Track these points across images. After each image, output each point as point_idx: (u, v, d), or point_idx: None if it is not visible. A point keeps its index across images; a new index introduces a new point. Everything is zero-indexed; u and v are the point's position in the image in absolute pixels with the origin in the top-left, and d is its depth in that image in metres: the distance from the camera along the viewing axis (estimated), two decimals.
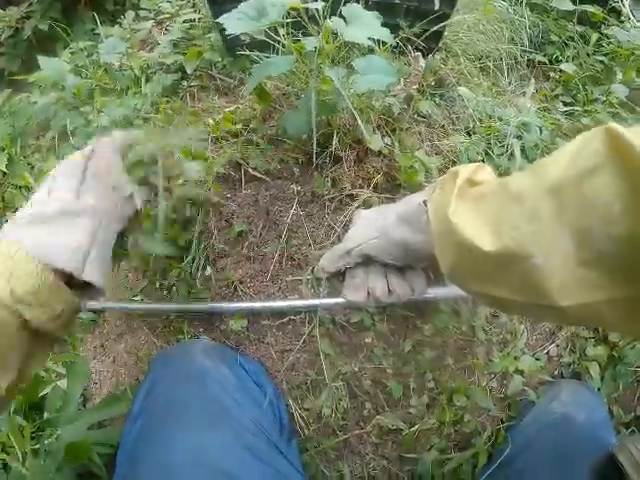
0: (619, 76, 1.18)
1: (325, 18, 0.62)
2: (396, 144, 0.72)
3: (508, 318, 0.86)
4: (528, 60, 1.18)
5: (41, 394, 0.80)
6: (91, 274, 0.45)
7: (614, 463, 0.60)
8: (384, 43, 0.76)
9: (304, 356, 0.74)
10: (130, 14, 1.16)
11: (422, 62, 0.71)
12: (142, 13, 1.18)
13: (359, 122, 0.65)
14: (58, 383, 0.81)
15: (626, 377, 0.89)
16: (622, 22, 1.29)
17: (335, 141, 0.71)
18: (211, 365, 0.68)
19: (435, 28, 0.82)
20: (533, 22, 1.24)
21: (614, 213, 0.30)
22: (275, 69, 0.66)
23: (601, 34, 1.26)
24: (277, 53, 0.74)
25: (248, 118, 0.75)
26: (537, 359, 0.88)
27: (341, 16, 0.64)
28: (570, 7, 1.27)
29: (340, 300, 0.70)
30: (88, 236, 0.45)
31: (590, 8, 1.26)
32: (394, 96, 0.74)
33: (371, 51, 0.71)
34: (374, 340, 0.76)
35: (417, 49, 0.83)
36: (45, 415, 0.78)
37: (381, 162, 0.72)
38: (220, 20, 0.63)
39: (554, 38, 1.28)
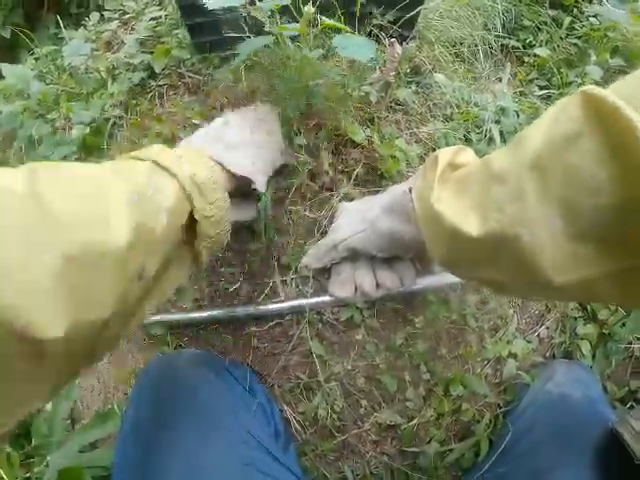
0: (593, 58, 1.19)
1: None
2: (375, 134, 0.70)
3: (498, 303, 0.85)
4: (502, 45, 1.18)
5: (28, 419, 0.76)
6: (260, 185, 0.54)
7: (615, 437, 0.60)
8: (359, 30, 0.75)
9: (295, 358, 0.72)
10: (95, 15, 1.12)
11: (398, 48, 0.70)
12: (107, 14, 1.14)
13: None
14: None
15: (618, 354, 0.89)
16: (593, 3, 1.29)
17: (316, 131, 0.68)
18: (198, 374, 0.65)
19: (408, 15, 0.81)
20: (506, 7, 1.24)
21: (600, 182, 0.28)
22: (258, 43, 0.64)
23: (574, 17, 1.27)
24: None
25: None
26: (528, 342, 0.89)
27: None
28: None
29: (327, 298, 0.68)
30: (263, 159, 0.57)
31: None
32: (370, 84, 0.72)
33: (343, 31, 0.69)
34: (365, 336, 0.75)
35: (391, 37, 0.82)
36: (33, 442, 0.74)
37: (360, 153, 0.70)
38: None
39: (527, 23, 1.28)
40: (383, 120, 0.73)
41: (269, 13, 0.66)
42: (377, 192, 0.71)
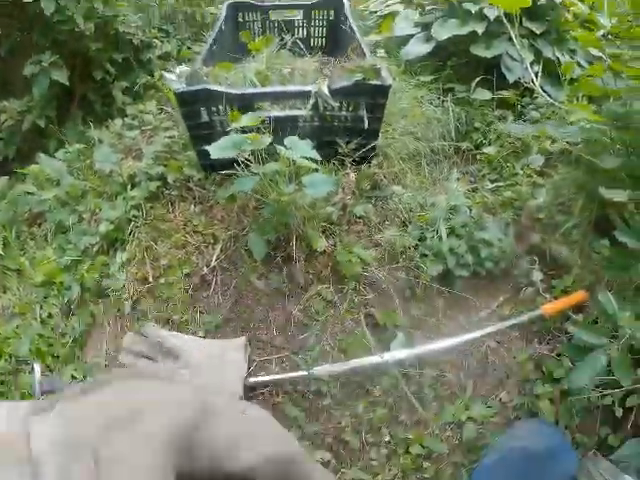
0: (535, 148, 1.41)
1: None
2: (338, 243, 0.95)
3: (455, 376, 1.04)
4: (456, 148, 1.44)
5: None
6: None
7: None
8: (326, 161, 1.00)
9: None
10: (118, 121, 1.40)
11: (352, 177, 0.95)
12: (127, 120, 1.42)
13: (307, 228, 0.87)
14: None
15: (580, 407, 0.98)
16: (535, 98, 1.54)
17: (293, 243, 0.92)
18: None
19: (367, 147, 1.07)
20: (458, 114, 1.52)
21: None
22: (246, 185, 0.89)
23: (518, 114, 1.54)
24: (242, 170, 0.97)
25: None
26: (489, 406, 1.03)
27: (285, 145, 0.89)
28: (488, 96, 1.57)
29: None
30: None
31: (506, 93, 1.55)
32: (333, 205, 0.97)
33: (315, 170, 0.95)
34: (331, 403, 0.94)
35: (354, 161, 1.08)
36: None
37: (327, 259, 0.94)
38: (208, 148, 0.86)
39: (478, 125, 1.56)
40: (345, 232, 0.98)
41: (254, 155, 0.91)
42: (342, 289, 0.94)
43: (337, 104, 1.07)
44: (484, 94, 1.59)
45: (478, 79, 1.57)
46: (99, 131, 1.43)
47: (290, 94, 1.06)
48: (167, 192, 1.12)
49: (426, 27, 1.71)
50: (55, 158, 1.41)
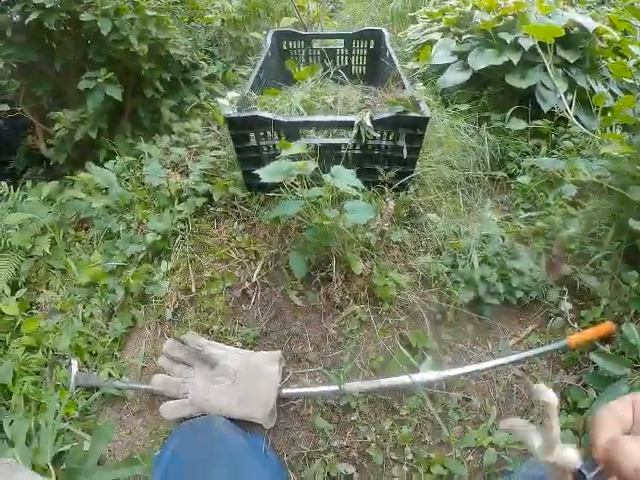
0: (568, 178, 1.42)
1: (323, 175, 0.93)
2: (374, 267, 1.00)
3: (480, 401, 1.07)
4: (490, 178, 1.48)
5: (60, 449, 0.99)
6: None
7: None
8: (367, 188, 1.07)
9: (302, 433, 0.96)
10: (166, 138, 1.50)
11: (391, 205, 1.01)
12: (174, 137, 1.52)
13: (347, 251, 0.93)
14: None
15: None
16: (569, 127, 1.58)
17: (332, 264, 0.98)
18: (230, 434, 0.90)
19: (405, 173, 1.13)
20: (494, 143, 1.57)
21: None
22: (290, 210, 0.96)
23: (553, 143, 1.57)
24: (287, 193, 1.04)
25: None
26: (511, 434, 1.06)
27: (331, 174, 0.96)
28: (523, 126, 1.62)
29: None
30: None
31: (540, 123, 1.59)
32: (372, 230, 1.03)
33: (356, 197, 1.01)
34: (359, 418, 0.98)
35: (393, 188, 1.14)
36: (65, 464, 0.96)
37: (363, 281, 0.99)
38: (258, 172, 0.94)
39: (512, 154, 1.60)
40: (382, 256, 1.04)
41: (299, 179, 0.98)
42: (377, 310, 0.99)
43: (378, 134, 1.13)
44: (519, 124, 1.63)
45: (513, 109, 1.62)
46: (147, 145, 1.53)
47: (334, 123, 1.13)
48: (212, 209, 1.20)
49: (463, 56, 1.77)
50: (105, 168, 1.52)
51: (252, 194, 1.17)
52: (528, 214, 1.44)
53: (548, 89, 1.61)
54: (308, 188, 0.98)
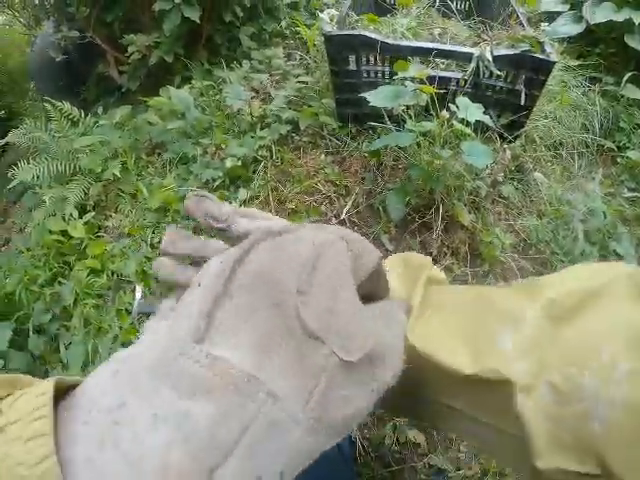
0: None
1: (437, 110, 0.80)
2: (480, 221, 0.87)
3: None
4: (598, 146, 1.30)
5: None
6: None
7: None
8: (482, 131, 0.92)
9: None
10: (246, 64, 1.37)
11: (509, 154, 0.86)
12: (254, 64, 1.39)
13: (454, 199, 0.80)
14: None
15: None
16: None
17: (434, 211, 0.86)
18: None
19: (518, 123, 0.97)
20: (605, 109, 1.37)
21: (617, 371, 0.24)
22: (400, 141, 0.83)
23: None
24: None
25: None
26: None
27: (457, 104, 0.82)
28: (639, 95, 1.39)
29: None
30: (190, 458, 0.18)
31: None
32: (481, 179, 0.89)
33: (468, 136, 0.87)
34: None
35: (500, 136, 0.98)
36: None
37: (466, 235, 0.86)
38: (365, 94, 0.81)
39: (623, 125, 1.40)
40: (487, 210, 0.90)
41: (410, 112, 0.85)
42: (474, 269, 0.87)
43: (499, 72, 0.97)
44: (635, 92, 1.42)
45: (630, 74, 1.41)
46: (226, 72, 1.41)
47: (452, 54, 0.98)
48: (297, 138, 1.09)
49: (576, 6, 1.56)
50: (186, 92, 1.41)
51: (343, 125, 1.04)
52: (634, 194, 1.27)
53: None
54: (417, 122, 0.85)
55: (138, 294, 1.07)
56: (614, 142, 1.37)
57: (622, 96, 1.42)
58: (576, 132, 1.24)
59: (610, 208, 1.17)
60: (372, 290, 0.27)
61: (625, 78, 1.42)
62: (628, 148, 1.36)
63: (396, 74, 0.90)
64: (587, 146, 1.25)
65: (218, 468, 0.17)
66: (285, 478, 0.19)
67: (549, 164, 1.10)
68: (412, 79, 0.82)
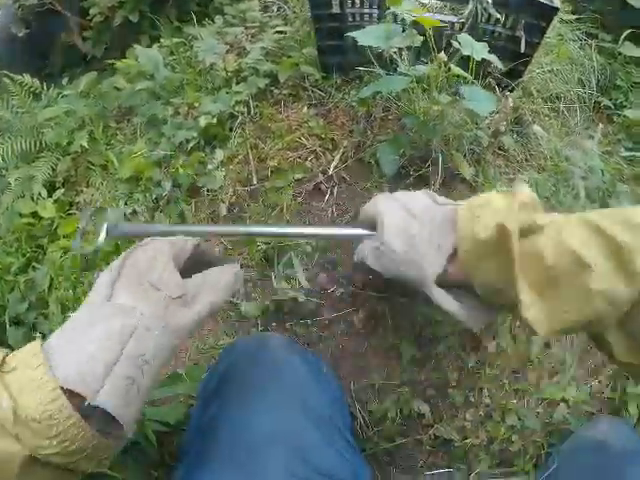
0: None
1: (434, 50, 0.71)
2: (481, 174, 0.79)
3: (561, 349, 0.91)
4: (595, 103, 1.25)
5: None
6: (106, 399, 0.35)
7: None
8: (476, 76, 0.84)
9: (374, 361, 0.80)
10: (219, 19, 1.25)
11: (511, 102, 0.78)
12: (228, 18, 1.27)
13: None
14: None
15: None
16: None
17: (431, 163, 0.78)
18: (286, 356, 0.74)
19: (515, 71, 0.90)
20: (601, 65, 1.30)
21: None
22: (393, 85, 0.74)
23: None
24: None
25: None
26: (581, 392, 0.94)
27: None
28: (637, 53, 1.33)
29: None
30: (107, 348, 0.38)
31: None
32: (481, 129, 0.81)
33: (467, 82, 0.78)
34: (443, 350, 0.82)
35: (500, 86, 0.90)
36: None
37: (467, 188, 0.79)
38: (353, 34, 0.72)
39: (620, 83, 1.35)
40: (488, 163, 0.82)
41: (402, 55, 0.76)
42: None
43: (498, 15, 0.89)
44: (633, 50, 1.36)
45: (628, 32, 1.34)
46: (197, 29, 1.29)
47: None
48: (277, 91, 0.98)
49: None
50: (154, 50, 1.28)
51: (327, 76, 0.94)
52: (631, 153, 1.22)
53: None
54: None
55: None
56: (610, 100, 1.31)
57: (619, 53, 1.37)
58: (573, 86, 1.17)
59: (608, 167, 1.12)
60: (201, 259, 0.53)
61: (623, 35, 1.36)
62: (625, 107, 1.31)
63: (385, 17, 0.81)
64: (584, 102, 1.19)
65: (126, 344, 0.39)
66: (154, 362, 0.41)
67: (547, 118, 1.03)
68: (408, 14, 0.73)
